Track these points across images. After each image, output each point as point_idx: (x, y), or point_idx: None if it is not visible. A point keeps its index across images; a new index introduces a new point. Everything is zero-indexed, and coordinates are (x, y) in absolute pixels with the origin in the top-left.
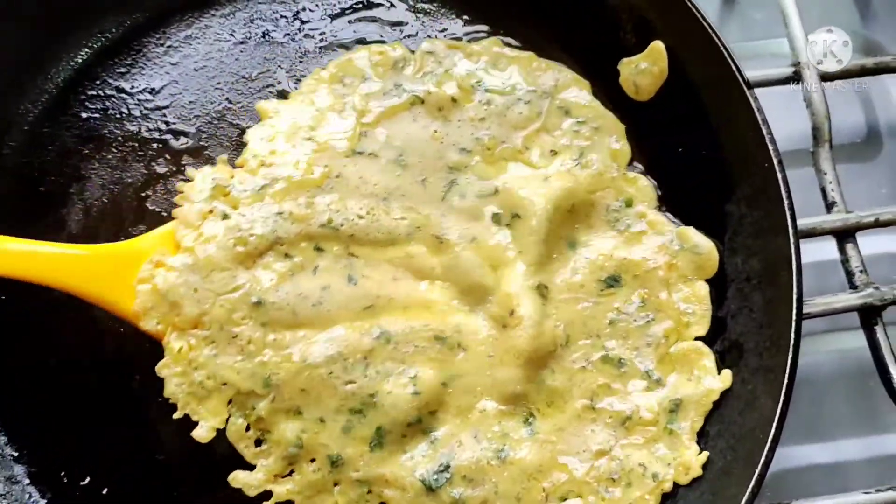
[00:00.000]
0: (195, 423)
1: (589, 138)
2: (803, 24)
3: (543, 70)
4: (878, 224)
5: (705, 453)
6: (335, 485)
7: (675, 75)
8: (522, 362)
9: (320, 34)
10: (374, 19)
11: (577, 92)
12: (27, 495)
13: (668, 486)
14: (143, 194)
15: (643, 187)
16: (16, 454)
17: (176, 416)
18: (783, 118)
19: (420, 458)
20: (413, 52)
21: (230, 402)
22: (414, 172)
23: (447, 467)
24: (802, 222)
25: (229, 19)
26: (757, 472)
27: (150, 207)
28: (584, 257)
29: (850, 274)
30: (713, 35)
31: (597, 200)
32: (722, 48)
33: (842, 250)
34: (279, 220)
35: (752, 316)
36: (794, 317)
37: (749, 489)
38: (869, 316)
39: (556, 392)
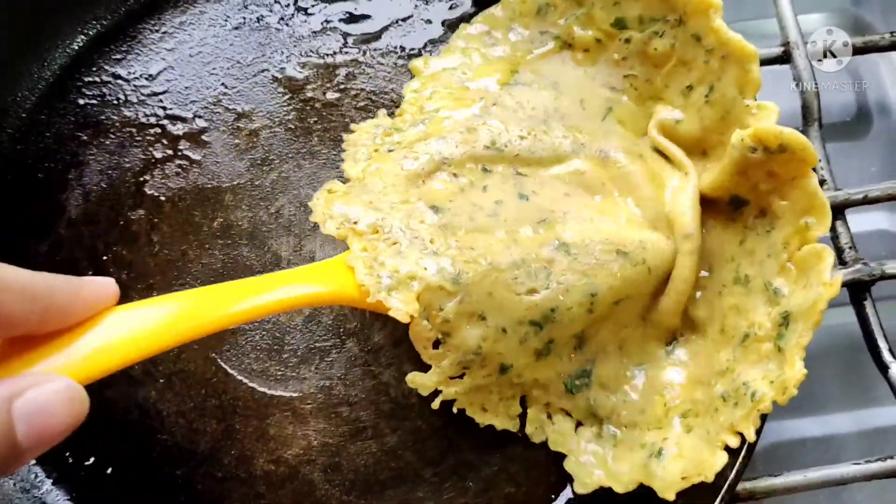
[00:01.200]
0: (194, 409)
1: (718, 70)
2: (793, 4)
3: None
4: (867, 201)
5: (804, 371)
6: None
7: None
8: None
9: (315, 18)
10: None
11: (706, 15)
12: (33, 475)
13: (765, 407)
14: (142, 179)
15: (768, 115)
16: None
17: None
18: (773, 98)
19: (566, 361)
20: None
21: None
22: (571, 96)
23: (588, 374)
24: None
25: (223, 4)
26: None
27: (149, 192)
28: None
29: (839, 250)
30: None
31: (726, 141)
32: None
33: (831, 227)
34: (443, 143)
35: None
36: None
37: (738, 462)
38: (858, 291)
39: (699, 321)
